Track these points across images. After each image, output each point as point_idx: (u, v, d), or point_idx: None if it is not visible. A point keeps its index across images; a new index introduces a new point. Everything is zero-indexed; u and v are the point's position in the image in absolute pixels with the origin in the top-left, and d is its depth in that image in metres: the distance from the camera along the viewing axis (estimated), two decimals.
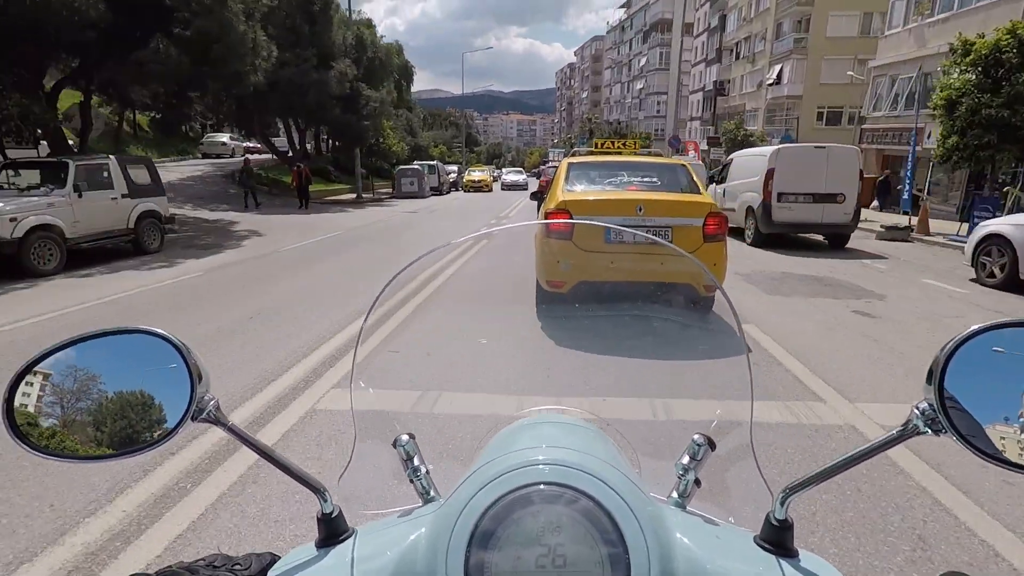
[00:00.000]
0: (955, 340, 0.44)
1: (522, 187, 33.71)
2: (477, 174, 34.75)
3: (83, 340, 0.51)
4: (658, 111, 63.39)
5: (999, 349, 0.44)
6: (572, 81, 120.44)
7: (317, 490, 0.54)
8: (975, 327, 0.44)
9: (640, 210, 4.62)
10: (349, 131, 24.61)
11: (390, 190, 27.20)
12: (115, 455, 0.51)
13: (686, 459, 0.61)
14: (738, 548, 0.50)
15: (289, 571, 0.50)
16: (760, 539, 0.51)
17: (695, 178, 5.60)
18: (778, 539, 0.50)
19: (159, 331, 0.51)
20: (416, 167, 27.38)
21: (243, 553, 0.56)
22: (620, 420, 0.69)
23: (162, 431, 0.50)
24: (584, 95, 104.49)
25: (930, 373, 0.44)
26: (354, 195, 24.83)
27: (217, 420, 0.52)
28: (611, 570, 0.43)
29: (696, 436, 0.62)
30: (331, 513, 0.54)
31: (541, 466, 0.47)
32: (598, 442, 0.56)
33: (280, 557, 0.54)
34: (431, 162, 31.59)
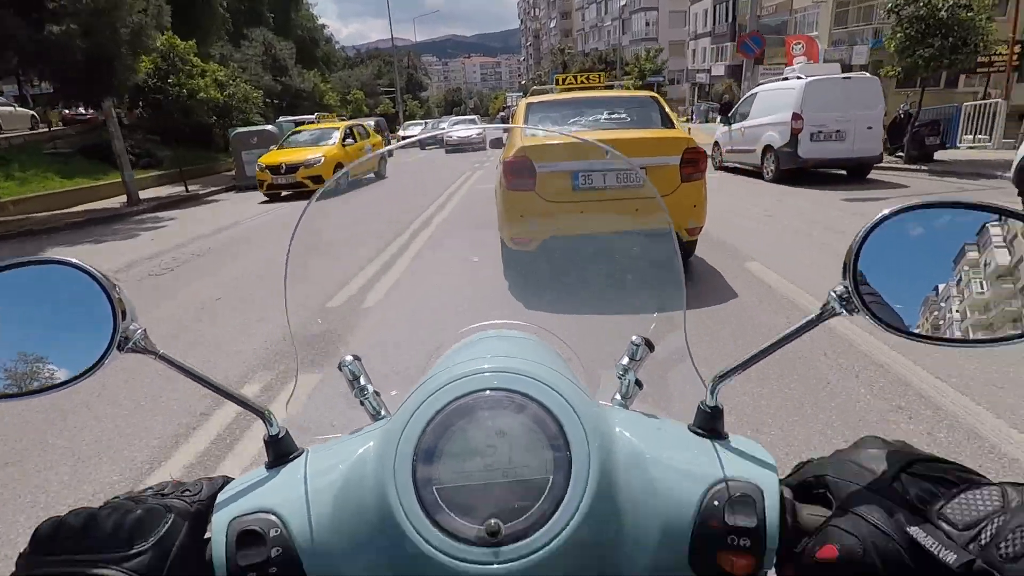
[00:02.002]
0: (866, 226, 0.46)
1: (476, 146, 24.57)
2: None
3: None
4: (647, 32, 57.83)
5: (910, 228, 0.47)
6: (536, 10, 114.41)
7: (260, 413, 0.53)
8: (884, 211, 0.46)
9: (608, 151, 4.55)
10: (47, 58, 10.66)
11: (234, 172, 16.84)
12: (37, 391, 0.49)
13: (625, 360, 0.65)
14: (674, 437, 0.53)
15: (238, 493, 0.50)
16: (694, 427, 0.53)
17: (668, 111, 5.20)
18: (710, 425, 0.53)
19: (75, 261, 0.50)
20: (267, 130, 16.77)
21: (195, 479, 0.53)
22: (563, 330, 0.71)
23: (87, 363, 0.49)
24: (552, 24, 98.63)
25: (846, 258, 0.46)
26: (123, 200, 13.59)
27: (146, 349, 0.50)
28: (554, 465, 0.44)
29: (634, 338, 0.66)
30: (278, 435, 0.54)
31: (486, 374, 0.48)
32: (542, 352, 0.59)
33: (233, 480, 0.53)
34: (307, 117, 20.63)
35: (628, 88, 7.89)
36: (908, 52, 11.21)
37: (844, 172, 11.23)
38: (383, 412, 0.64)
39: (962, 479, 0.41)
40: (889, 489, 0.42)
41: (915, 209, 0.47)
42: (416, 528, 0.43)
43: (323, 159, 13.65)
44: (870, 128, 10.40)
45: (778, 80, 11.90)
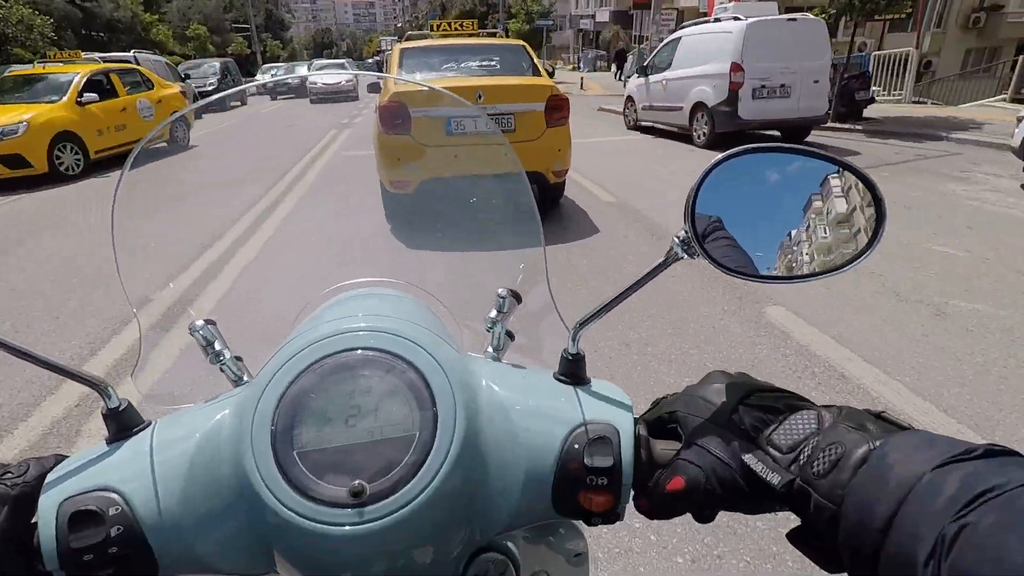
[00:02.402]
0: (702, 172, 0.48)
1: (347, 95, 20.91)
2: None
3: None
4: None
5: (740, 173, 0.49)
6: None
7: (96, 385, 0.49)
8: (716, 158, 0.48)
9: (480, 97, 4.44)
10: None
11: None
12: None
13: (493, 312, 0.65)
14: (539, 385, 0.54)
15: (72, 471, 0.45)
16: (558, 374, 0.54)
17: (535, 60, 5.46)
18: (573, 371, 0.54)
19: None
20: None
21: (21, 459, 0.49)
22: (436, 286, 0.71)
23: None
24: None
25: (686, 204, 0.48)
26: None
27: None
28: (420, 421, 0.44)
29: (500, 290, 0.66)
30: (119, 407, 0.49)
31: (351, 333, 0.47)
32: (413, 309, 0.57)
33: (68, 457, 0.48)
34: (119, 55, 15.90)
35: (500, 36, 8.75)
36: None
37: (778, 133, 9.63)
38: (245, 378, 0.60)
39: (789, 406, 0.45)
40: (728, 420, 0.46)
41: (742, 155, 0.49)
42: (276, 495, 0.41)
43: (25, 127, 8.07)
44: (816, 82, 8.76)
45: (705, 23, 9.85)
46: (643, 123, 11.37)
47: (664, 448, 0.49)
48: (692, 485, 0.44)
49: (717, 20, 9.31)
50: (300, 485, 0.41)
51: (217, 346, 0.60)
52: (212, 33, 34.86)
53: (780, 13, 9.14)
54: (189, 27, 32.71)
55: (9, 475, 0.46)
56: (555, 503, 0.47)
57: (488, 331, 0.65)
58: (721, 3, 12.58)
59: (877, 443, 0.38)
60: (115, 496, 0.44)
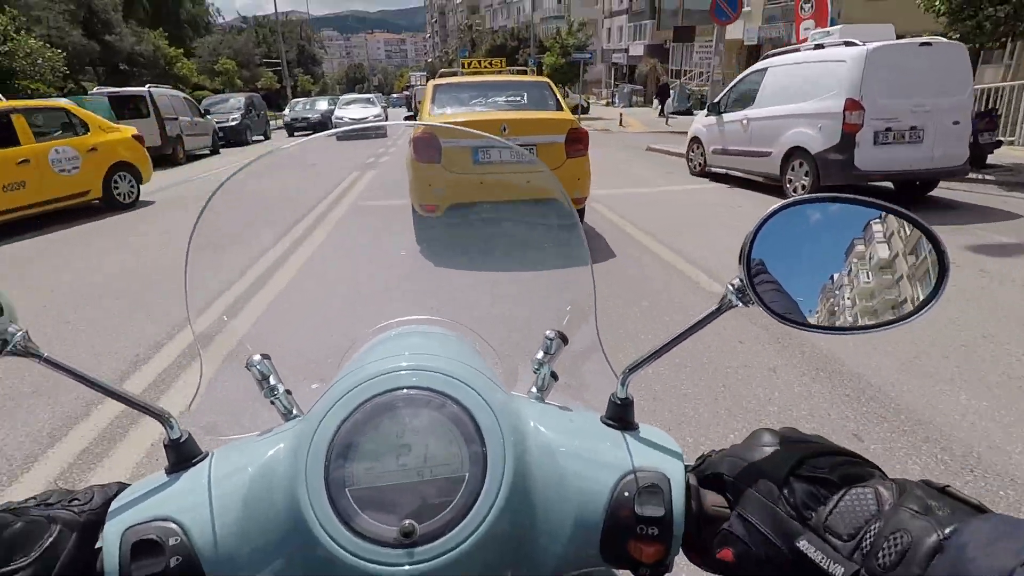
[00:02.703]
0: (759, 220, 0.48)
1: (376, 132, 9.55)
2: None
3: None
4: (558, 9, 54.86)
5: (798, 223, 0.49)
6: None
7: (159, 416, 0.50)
8: (774, 206, 0.48)
9: (504, 129, 4.74)
10: None
11: None
12: None
13: (540, 354, 0.65)
14: (587, 428, 0.53)
15: (134, 500, 0.47)
16: (605, 418, 0.54)
17: (558, 95, 5.85)
18: (621, 415, 0.53)
19: None
20: None
21: (85, 487, 0.50)
22: (479, 324, 0.71)
23: None
24: (458, 0, 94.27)
25: (740, 252, 0.48)
26: None
27: (28, 352, 0.47)
28: (470, 462, 0.44)
29: (548, 332, 0.66)
30: (179, 438, 0.50)
31: (402, 372, 0.48)
32: (458, 347, 0.58)
33: (129, 486, 0.50)
34: (135, 91, 14.39)
35: (531, 71, 8.69)
36: (965, 14, 7.77)
37: (891, 186, 7.69)
38: (295, 411, 0.61)
39: (844, 478, 0.42)
40: (779, 496, 0.43)
41: (802, 204, 0.49)
42: (328, 532, 0.41)
43: None
44: (956, 123, 6.82)
45: (795, 51, 8.04)
46: (713, 168, 9.54)
47: (715, 505, 0.48)
48: (741, 559, 0.44)
49: (819, 47, 7.47)
50: (352, 522, 0.41)
51: (272, 380, 0.62)
52: (241, 68, 34.43)
53: (896, 38, 7.27)
54: (217, 62, 32.03)
55: (76, 502, 0.47)
56: (603, 551, 0.47)
57: (535, 372, 0.65)
58: (808, 28, 10.74)
59: (947, 530, 0.35)
60: (175, 527, 0.44)
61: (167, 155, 14.64)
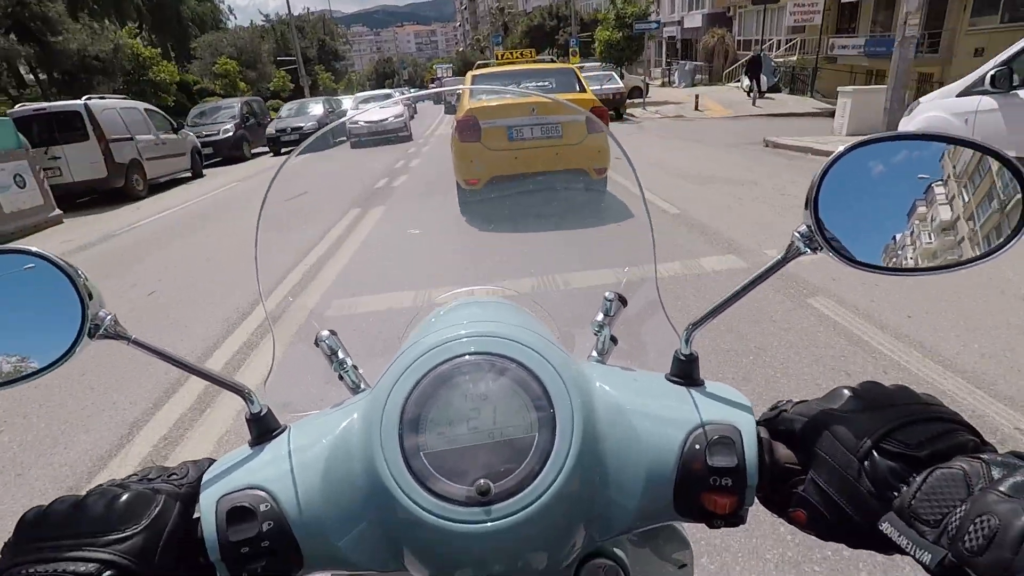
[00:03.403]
0: (825, 162, 0.47)
1: (396, 135, 8.85)
2: None
3: None
4: None
5: (866, 164, 0.47)
6: None
7: (241, 391, 0.53)
8: (841, 148, 0.47)
9: (534, 111, 4.93)
10: None
11: None
12: (9, 382, 0.48)
13: (600, 316, 0.66)
14: (652, 386, 0.53)
15: (224, 472, 0.49)
16: (670, 376, 0.54)
17: (582, 80, 6.51)
18: (686, 371, 0.53)
19: (37, 250, 0.48)
20: None
21: (179, 463, 0.53)
22: (537, 293, 0.72)
23: (58, 353, 0.47)
24: None
25: (806, 197, 0.47)
26: None
27: (118, 335, 0.49)
28: (539, 423, 0.45)
29: (607, 294, 0.67)
30: (260, 412, 0.53)
31: (464, 340, 0.48)
32: (517, 315, 0.59)
33: (216, 461, 0.52)
34: (68, 104, 10.73)
35: (554, 61, 10.03)
36: None
37: None
38: (362, 385, 0.64)
39: (932, 455, 0.40)
40: (859, 469, 0.42)
41: (870, 143, 0.47)
42: (407, 493, 0.43)
43: None
44: None
45: None
46: None
47: (787, 459, 0.48)
48: (816, 523, 0.44)
49: None
50: (429, 484, 0.43)
51: (340, 355, 0.65)
52: (247, 68, 30.00)
53: None
54: (217, 62, 27.79)
55: (175, 476, 0.49)
56: (676, 504, 0.47)
57: (595, 335, 0.65)
58: None
59: None
60: (264, 494, 0.46)
61: (118, 189, 11.03)
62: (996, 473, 0.36)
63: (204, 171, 14.47)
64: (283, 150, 16.50)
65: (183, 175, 13.59)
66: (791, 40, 25.15)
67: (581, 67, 13.06)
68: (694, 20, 36.62)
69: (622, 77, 19.25)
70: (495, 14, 63.05)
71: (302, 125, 16.57)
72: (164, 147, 12.61)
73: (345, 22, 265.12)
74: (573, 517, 0.45)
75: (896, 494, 0.40)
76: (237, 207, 9.40)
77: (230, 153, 16.11)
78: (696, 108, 19.11)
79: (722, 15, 32.90)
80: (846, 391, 0.46)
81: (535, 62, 9.38)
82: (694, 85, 29.44)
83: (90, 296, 0.47)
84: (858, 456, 0.42)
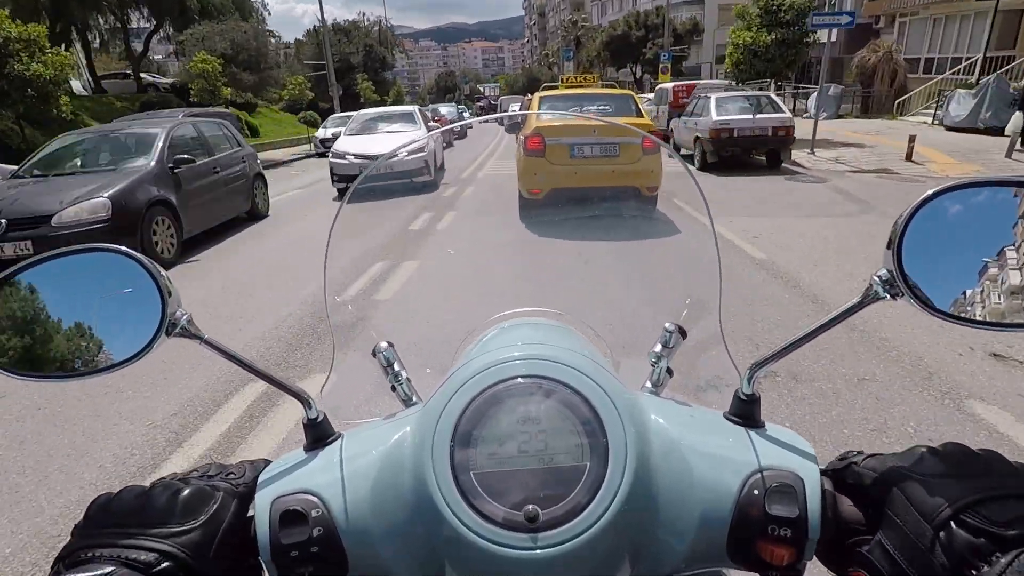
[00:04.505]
0: (912, 206, 0.44)
1: (415, 175, 3.41)
2: None
3: (43, 260, 0.51)
4: None
5: (955, 209, 0.45)
6: None
7: (300, 397, 0.53)
8: (929, 191, 0.45)
9: (595, 132, 5.27)
10: None
11: None
12: (90, 372, 0.50)
13: (658, 348, 0.64)
14: (709, 423, 0.52)
15: (279, 474, 0.50)
16: (729, 414, 0.52)
17: (639, 106, 7.37)
18: (746, 412, 0.51)
19: (124, 249, 0.51)
20: None
21: (237, 462, 0.54)
22: (593, 317, 0.71)
23: (136, 348, 0.50)
24: None
25: (889, 239, 0.45)
26: None
27: (191, 334, 0.51)
28: (590, 451, 0.44)
29: (667, 325, 0.64)
30: (316, 418, 0.54)
31: (517, 362, 0.48)
32: (572, 339, 0.58)
33: (272, 463, 0.54)
34: None
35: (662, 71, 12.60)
36: None
37: None
38: (415, 398, 0.64)
39: (1021, 536, 0.37)
40: (934, 538, 0.38)
41: (959, 188, 0.45)
42: (455, 512, 0.43)
43: None
44: None
45: None
46: None
47: (850, 515, 0.45)
48: None
49: None
50: (477, 504, 0.43)
51: (396, 367, 0.65)
52: (245, 69, 22.34)
53: None
54: (195, 58, 19.39)
55: (232, 475, 0.51)
56: (730, 550, 0.45)
57: (652, 366, 0.63)
58: None
59: None
60: (315, 499, 0.47)
61: None
62: None
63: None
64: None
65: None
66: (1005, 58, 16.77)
67: (726, 90, 10.09)
68: (831, 32, 28.65)
69: (771, 105, 11.69)
70: (567, 27, 56.63)
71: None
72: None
73: (415, 37, 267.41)
74: (620, 553, 0.44)
75: (974, 573, 0.36)
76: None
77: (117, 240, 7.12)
78: (909, 159, 11.26)
79: (868, 27, 24.79)
80: (926, 450, 0.44)
81: (604, 86, 10.14)
82: (840, 116, 21.44)
83: (169, 294, 0.49)
84: (933, 524, 0.39)
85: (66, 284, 0.51)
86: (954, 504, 0.38)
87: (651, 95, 23.54)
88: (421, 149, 8.53)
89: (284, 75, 28.44)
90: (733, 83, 16.92)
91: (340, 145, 10.56)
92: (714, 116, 11.22)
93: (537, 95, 7.86)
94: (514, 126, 6.79)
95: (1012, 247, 0.44)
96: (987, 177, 0.45)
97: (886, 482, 0.42)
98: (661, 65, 29.18)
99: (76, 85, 21.67)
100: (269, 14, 34.59)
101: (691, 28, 33.75)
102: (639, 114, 7.21)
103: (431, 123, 12.52)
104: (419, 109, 12.33)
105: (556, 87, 9.36)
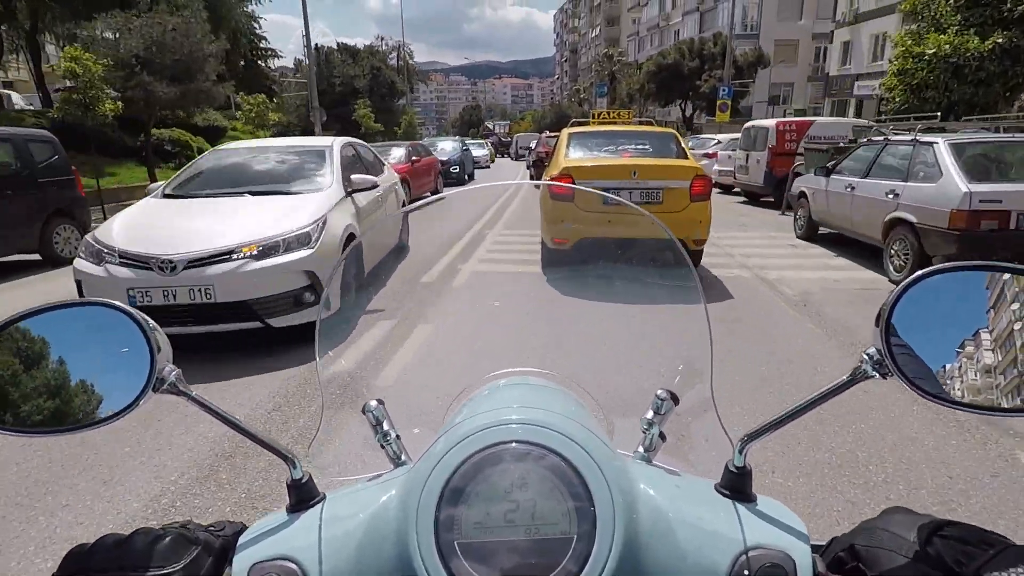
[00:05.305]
0: (900, 286, 0.45)
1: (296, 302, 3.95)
2: None
3: (37, 313, 0.51)
4: (749, 26, 35.50)
5: (940, 291, 0.46)
6: (575, 21, 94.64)
7: (286, 457, 0.53)
8: (919, 272, 0.46)
9: (635, 174, 5.10)
10: None
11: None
12: (75, 427, 0.50)
13: (650, 414, 0.63)
14: (699, 495, 0.51)
15: (259, 536, 0.50)
16: (720, 486, 0.52)
17: (683, 145, 6.19)
18: (737, 485, 0.51)
19: (116, 303, 0.51)
20: None
21: (217, 520, 0.54)
22: (588, 379, 0.71)
23: (123, 403, 0.50)
24: (595, 33, 77.79)
25: (878, 318, 0.46)
26: None
27: (179, 391, 0.51)
28: (578, 522, 0.44)
29: (659, 391, 0.64)
30: (301, 479, 0.53)
31: (512, 426, 0.47)
32: (566, 402, 0.57)
33: (249, 527, 0.53)
34: None
35: (720, 108, 10.61)
36: None
37: None
38: (403, 457, 0.63)
39: (992, 541, 0.40)
40: (923, 554, 0.41)
41: (948, 272, 0.46)
42: None
43: None
44: None
45: None
46: None
47: None
48: None
49: None
50: (459, 575, 0.42)
51: (385, 426, 0.63)
52: (174, 81, 14.18)
53: None
54: (62, 55, 12.86)
55: (212, 528, 0.51)
56: None
57: (644, 432, 0.63)
58: None
59: None
60: (294, 566, 0.46)
61: None
62: None
63: None
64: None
65: None
66: None
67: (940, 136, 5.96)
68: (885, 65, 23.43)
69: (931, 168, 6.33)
70: (601, 61, 52.50)
71: None
72: None
73: (447, 72, 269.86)
74: None
75: (964, 570, 0.39)
76: None
77: None
78: None
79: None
80: (896, 508, 0.46)
81: (639, 123, 9.06)
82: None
83: (159, 349, 0.49)
84: (920, 542, 0.41)
85: (58, 337, 0.51)
86: (928, 528, 0.41)
87: (712, 136, 18.40)
88: (304, 243, 3.92)
89: (280, 96, 24.27)
90: (874, 124, 11.54)
91: (112, 230, 4.35)
92: (959, 182, 5.41)
93: (566, 131, 6.63)
94: (538, 163, 7.96)
95: (986, 329, 0.45)
96: (974, 262, 0.45)
97: (868, 538, 0.44)
98: (720, 102, 24.22)
99: None
100: (259, 27, 30.62)
101: (755, 60, 28.81)
102: (683, 155, 6.03)
103: (384, 173, 6.95)
104: (347, 144, 6.05)
105: (587, 123, 8.24)
